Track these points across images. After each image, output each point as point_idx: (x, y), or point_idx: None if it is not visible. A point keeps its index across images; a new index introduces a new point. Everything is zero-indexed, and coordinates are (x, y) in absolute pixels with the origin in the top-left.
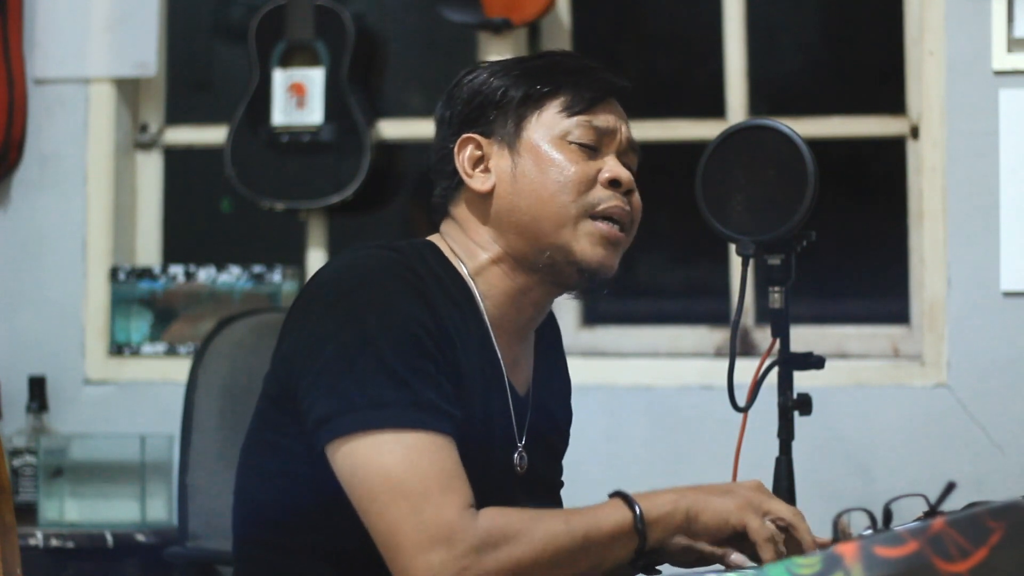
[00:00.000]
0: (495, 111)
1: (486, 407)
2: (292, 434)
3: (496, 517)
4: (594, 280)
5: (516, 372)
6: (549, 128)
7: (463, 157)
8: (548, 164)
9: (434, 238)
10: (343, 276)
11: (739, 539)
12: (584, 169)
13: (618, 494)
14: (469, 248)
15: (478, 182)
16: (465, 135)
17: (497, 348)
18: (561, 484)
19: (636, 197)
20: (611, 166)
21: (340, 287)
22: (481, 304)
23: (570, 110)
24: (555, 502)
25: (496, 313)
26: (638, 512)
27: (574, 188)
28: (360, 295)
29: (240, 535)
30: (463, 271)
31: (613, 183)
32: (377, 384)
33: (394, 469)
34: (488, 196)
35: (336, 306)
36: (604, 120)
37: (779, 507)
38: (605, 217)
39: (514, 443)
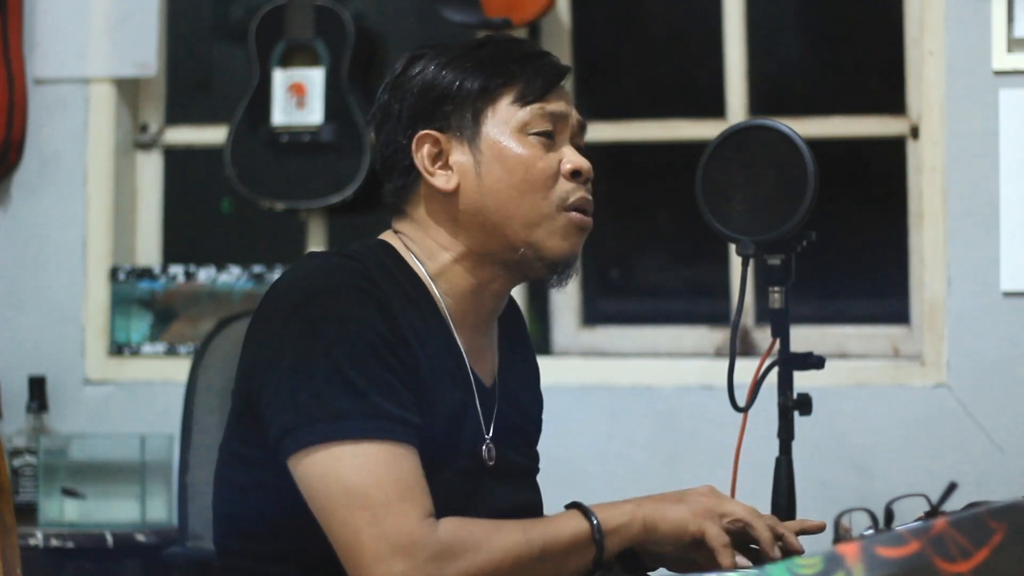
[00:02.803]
0: (450, 105)
1: (452, 403)
2: (258, 446)
3: (456, 527)
4: (561, 271)
5: (480, 363)
6: (506, 121)
7: (422, 155)
8: (513, 162)
9: (388, 236)
10: (298, 287)
11: (697, 546)
12: (547, 163)
13: (575, 505)
14: (429, 248)
15: (441, 180)
16: (422, 131)
17: (459, 342)
18: (536, 470)
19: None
20: (570, 156)
21: (295, 299)
22: (441, 301)
23: (524, 99)
24: (530, 490)
25: (457, 309)
26: (595, 523)
27: (542, 185)
28: (315, 306)
29: (220, 546)
30: (420, 270)
31: (575, 174)
32: (334, 396)
33: (353, 480)
34: (451, 195)
35: (292, 318)
36: (556, 106)
37: (735, 508)
38: (576, 208)
39: (482, 436)
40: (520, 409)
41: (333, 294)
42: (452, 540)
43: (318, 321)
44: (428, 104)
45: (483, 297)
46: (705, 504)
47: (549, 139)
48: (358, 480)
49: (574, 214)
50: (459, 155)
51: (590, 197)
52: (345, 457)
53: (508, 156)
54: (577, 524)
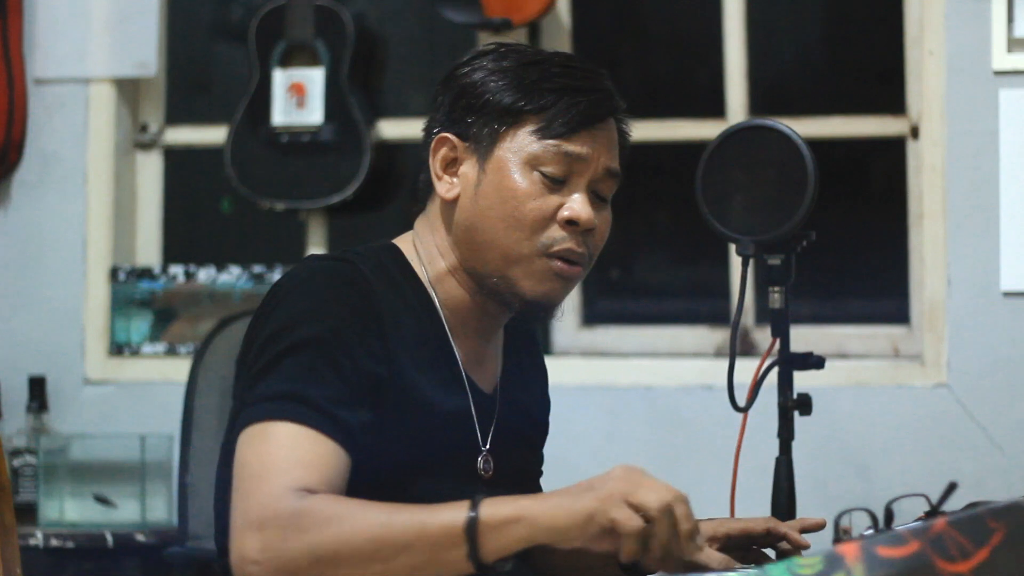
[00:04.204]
0: (475, 116)
1: (444, 411)
2: None
3: (319, 501)
4: (538, 312)
5: (481, 370)
6: (519, 149)
7: (437, 157)
8: (508, 193)
9: (402, 238)
10: (283, 286)
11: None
12: (542, 206)
13: (473, 495)
14: (431, 252)
15: (444, 187)
16: (443, 134)
17: (456, 350)
18: (539, 473)
19: (599, 231)
20: (572, 205)
21: (274, 301)
22: (439, 308)
23: (544, 133)
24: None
25: (454, 317)
26: (473, 515)
27: (529, 226)
28: (286, 306)
29: (221, 545)
30: (423, 275)
31: (570, 223)
32: (266, 382)
33: (249, 455)
34: (451, 203)
35: (266, 320)
36: (578, 147)
37: (648, 498)
38: (559, 257)
39: (478, 447)
40: (523, 414)
41: (307, 293)
42: (304, 513)
43: (283, 320)
44: (460, 108)
45: (478, 311)
46: (614, 489)
47: (558, 182)
48: (251, 455)
49: (556, 262)
50: (468, 167)
51: (581, 249)
52: (254, 436)
53: (505, 186)
54: (453, 515)
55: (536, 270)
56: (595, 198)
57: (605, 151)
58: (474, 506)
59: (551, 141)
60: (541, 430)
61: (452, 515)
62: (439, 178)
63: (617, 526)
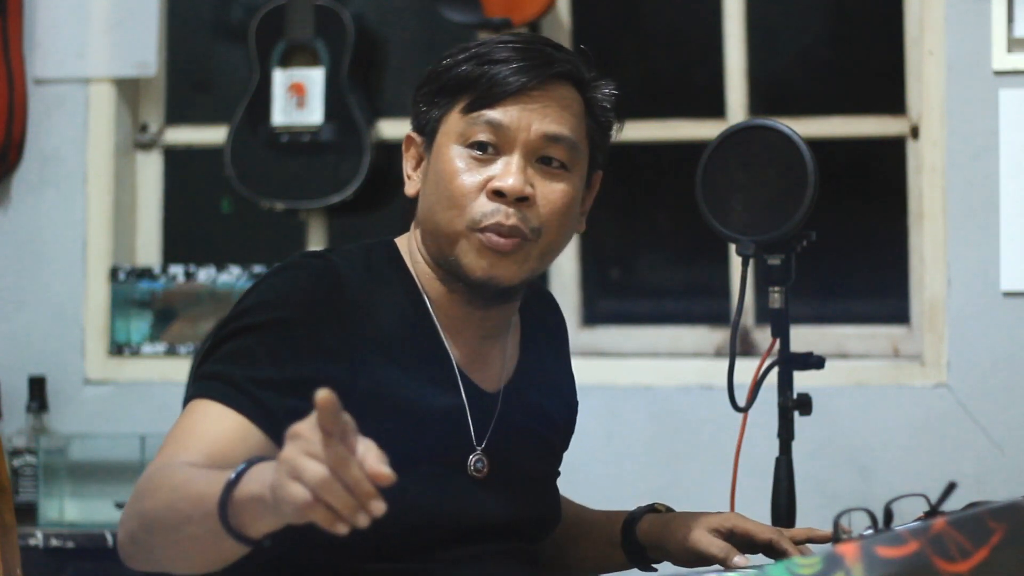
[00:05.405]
0: (423, 107)
1: (433, 409)
2: None
3: (163, 469)
4: (487, 291)
5: (481, 369)
6: (451, 130)
7: (408, 157)
8: (440, 174)
9: (401, 237)
10: (257, 280)
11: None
12: (470, 180)
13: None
14: (414, 251)
15: (408, 186)
16: (408, 133)
17: (450, 348)
18: (553, 476)
19: (546, 200)
20: (500, 173)
21: (246, 291)
22: (430, 306)
23: (469, 107)
24: (535, 500)
25: (445, 316)
26: (231, 478)
27: (458, 202)
28: (248, 296)
29: None
30: (413, 272)
31: (497, 193)
32: (206, 363)
33: (168, 433)
34: (416, 200)
35: (233, 306)
36: (501, 115)
37: (299, 426)
38: (489, 230)
39: (471, 446)
40: (536, 415)
41: (268, 288)
42: (146, 479)
43: (237, 309)
44: (415, 103)
45: (464, 305)
46: (283, 460)
47: (485, 151)
48: (168, 433)
49: (485, 235)
50: (425, 161)
51: (511, 222)
52: (181, 415)
53: (438, 168)
54: (218, 481)
55: (472, 247)
56: (544, 167)
57: (540, 117)
58: (233, 480)
59: (474, 113)
60: (560, 431)
61: (216, 481)
62: (408, 178)
63: (287, 498)
